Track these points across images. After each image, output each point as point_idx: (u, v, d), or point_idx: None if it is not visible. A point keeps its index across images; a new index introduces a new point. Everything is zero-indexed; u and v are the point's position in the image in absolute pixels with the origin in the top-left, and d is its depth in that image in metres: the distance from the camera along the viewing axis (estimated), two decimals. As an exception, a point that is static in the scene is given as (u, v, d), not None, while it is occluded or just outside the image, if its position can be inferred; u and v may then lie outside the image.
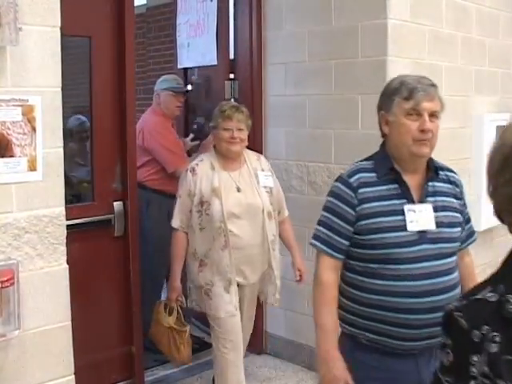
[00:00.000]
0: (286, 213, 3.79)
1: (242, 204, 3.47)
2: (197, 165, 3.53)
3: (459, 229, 2.40)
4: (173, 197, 3.98)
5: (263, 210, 3.51)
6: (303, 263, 3.73)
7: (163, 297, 4.28)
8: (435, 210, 2.31)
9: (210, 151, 3.64)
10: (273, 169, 4.41)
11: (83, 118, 3.70)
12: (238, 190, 3.50)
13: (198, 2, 4.70)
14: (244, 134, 3.54)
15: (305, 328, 4.34)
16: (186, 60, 4.96)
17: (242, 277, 3.56)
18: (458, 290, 2.30)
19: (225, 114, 3.50)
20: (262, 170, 3.64)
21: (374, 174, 2.33)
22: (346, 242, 2.31)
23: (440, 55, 4.16)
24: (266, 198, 3.55)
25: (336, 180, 2.41)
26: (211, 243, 3.45)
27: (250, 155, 3.68)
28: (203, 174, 3.49)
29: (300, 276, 3.74)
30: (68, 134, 3.51)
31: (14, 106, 2.48)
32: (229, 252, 3.43)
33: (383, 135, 2.44)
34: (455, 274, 2.32)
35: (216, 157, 3.56)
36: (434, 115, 2.32)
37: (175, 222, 3.54)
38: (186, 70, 5.06)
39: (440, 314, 1.32)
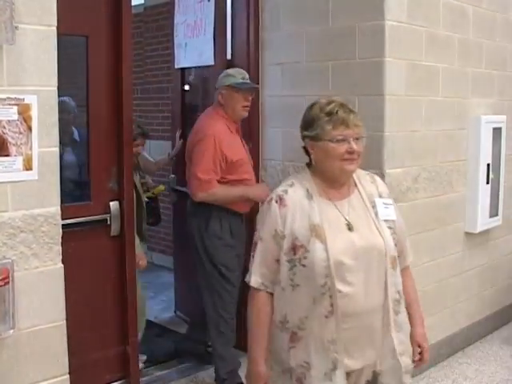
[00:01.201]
0: (410, 258, 2.62)
1: (356, 248, 2.33)
2: (285, 192, 2.41)
3: None
4: (235, 214, 3.95)
5: (386, 255, 2.37)
6: (426, 336, 2.62)
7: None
8: None
9: (303, 171, 2.50)
10: (269, 170, 4.43)
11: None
12: (349, 227, 2.37)
13: (195, 3, 4.70)
14: (361, 146, 2.38)
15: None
16: (183, 60, 4.96)
17: (353, 357, 2.37)
18: None
19: (336, 117, 2.35)
20: (380, 197, 2.51)
21: None
22: None
23: (437, 57, 4.16)
24: (389, 237, 2.41)
25: None
26: (310, 308, 2.32)
27: (362, 175, 2.54)
28: (296, 205, 2.37)
29: (420, 355, 2.58)
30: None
31: (9, 105, 2.48)
32: (336, 321, 2.29)
33: None
34: None
35: (313, 180, 2.44)
36: None
37: (254, 279, 2.42)
38: (183, 69, 5.06)
39: None
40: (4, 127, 2.47)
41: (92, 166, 3.48)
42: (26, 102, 2.52)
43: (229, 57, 4.56)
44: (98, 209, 3.48)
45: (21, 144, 2.53)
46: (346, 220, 2.38)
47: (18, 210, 2.54)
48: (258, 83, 4.42)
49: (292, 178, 2.51)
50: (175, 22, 5.01)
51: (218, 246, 3.93)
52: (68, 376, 2.75)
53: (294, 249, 2.35)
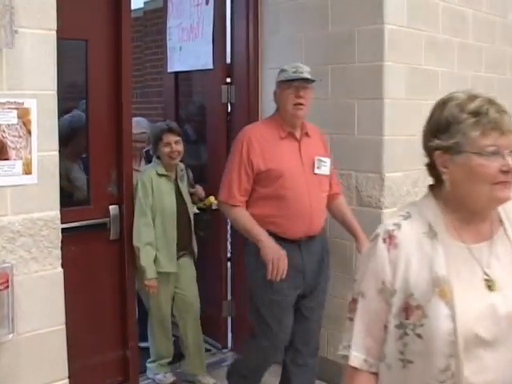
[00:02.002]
0: None
1: (499, 317, 1.58)
2: (397, 227, 1.68)
3: None
4: (280, 240, 3.24)
5: None
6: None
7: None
8: None
9: (425, 198, 1.73)
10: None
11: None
12: (490, 285, 1.60)
13: (191, 6, 4.68)
14: None
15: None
16: (177, 63, 4.92)
17: None
18: None
19: (486, 119, 1.58)
20: None
21: None
22: None
23: (436, 61, 4.16)
24: None
25: None
26: None
27: (510, 206, 1.72)
28: (412, 246, 1.64)
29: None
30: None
31: (9, 108, 2.48)
32: None
33: None
34: None
35: (439, 210, 1.68)
36: None
37: (355, 356, 1.68)
38: (176, 73, 5.03)
39: None
40: (3, 131, 2.47)
41: (91, 169, 3.48)
42: (25, 105, 2.52)
43: (228, 61, 4.56)
44: (97, 213, 3.49)
45: (20, 148, 2.52)
46: (486, 274, 1.62)
47: (18, 214, 2.54)
48: (258, 87, 4.41)
49: (408, 207, 1.75)
50: (168, 25, 4.97)
51: (255, 281, 3.34)
52: (68, 380, 2.74)
53: (406, 310, 1.61)
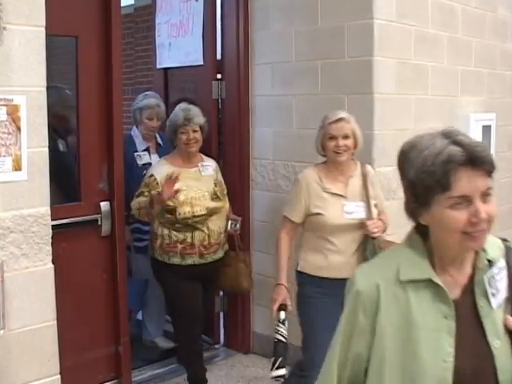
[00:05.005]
0: None
1: None
2: None
3: None
4: None
5: None
6: None
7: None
8: None
9: None
10: (260, 169, 4.44)
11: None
12: None
13: (181, 2, 4.68)
14: None
15: (291, 327, 4.34)
16: (166, 60, 4.91)
17: None
18: None
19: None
20: None
21: None
22: None
23: (426, 55, 4.18)
24: None
25: None
26: None
27: None
28: None
29: None
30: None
31: (-2, 105, 2.48)
32: None
33: None
34: None
35: None
36: None
37: None
38: (165, 70, 5.02)
39: None
40: (-7, 128, 2.47)
41: (82, 166, 3.48)
42: (14, 102, 2.53)
43: (218, 56, 4.57)
44: (88, 209, 3.48)
45: (10, 144, 2.53)
46: None
47: (8, 210, 2.54)
48: (248, 83, 4.42)
49: None
50: (157, 21, 4.96)
51: None
52: (59, 376, 2.75)
53: None
